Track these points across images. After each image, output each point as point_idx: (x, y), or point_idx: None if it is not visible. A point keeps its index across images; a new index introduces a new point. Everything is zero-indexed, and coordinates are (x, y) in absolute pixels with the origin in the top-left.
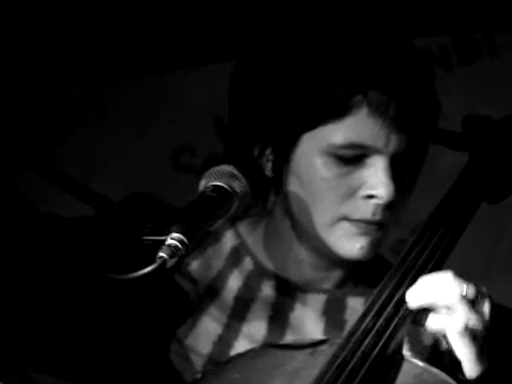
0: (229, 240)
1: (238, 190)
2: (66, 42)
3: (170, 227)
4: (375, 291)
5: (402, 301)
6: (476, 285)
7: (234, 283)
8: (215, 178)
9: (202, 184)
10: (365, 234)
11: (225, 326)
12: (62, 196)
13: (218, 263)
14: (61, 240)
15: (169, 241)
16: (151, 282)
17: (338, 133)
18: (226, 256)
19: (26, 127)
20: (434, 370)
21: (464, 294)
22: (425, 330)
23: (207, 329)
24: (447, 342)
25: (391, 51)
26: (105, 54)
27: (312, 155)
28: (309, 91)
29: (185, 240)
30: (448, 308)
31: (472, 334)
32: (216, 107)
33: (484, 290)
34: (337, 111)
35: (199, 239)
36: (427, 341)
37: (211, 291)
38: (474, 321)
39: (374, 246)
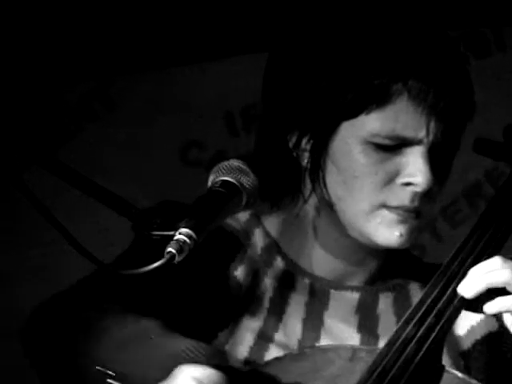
0: (259, 239)
1: (247, 185)
2: (73, 37)
3: (179, 222)
4: (419, 299)
5: (444, 311)
6: None
7: (268, 285)
8: (224, 173)
9: (211, 179)
10: (403, 221)
11: (260, 329)
12: (70, 191)
13: (254, 264)
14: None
15: (177, 236)
16: (200, 285)
17: (378, 121)
18: (259, 257)
19: (35, 123)
20: (474, 382)
21: None
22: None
23: (244, 333)
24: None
25: (429, 40)
26: (113, 48)
27: (351, 143)
28: (349, 80)
29: (193, 235)
30: (505, 286)
31: None
32: (225, 102)
33: None
34: (377, 100)
35: (208, 235)
36: (464, 347)
37: (250, 294)
38: None
39: (413, 234)
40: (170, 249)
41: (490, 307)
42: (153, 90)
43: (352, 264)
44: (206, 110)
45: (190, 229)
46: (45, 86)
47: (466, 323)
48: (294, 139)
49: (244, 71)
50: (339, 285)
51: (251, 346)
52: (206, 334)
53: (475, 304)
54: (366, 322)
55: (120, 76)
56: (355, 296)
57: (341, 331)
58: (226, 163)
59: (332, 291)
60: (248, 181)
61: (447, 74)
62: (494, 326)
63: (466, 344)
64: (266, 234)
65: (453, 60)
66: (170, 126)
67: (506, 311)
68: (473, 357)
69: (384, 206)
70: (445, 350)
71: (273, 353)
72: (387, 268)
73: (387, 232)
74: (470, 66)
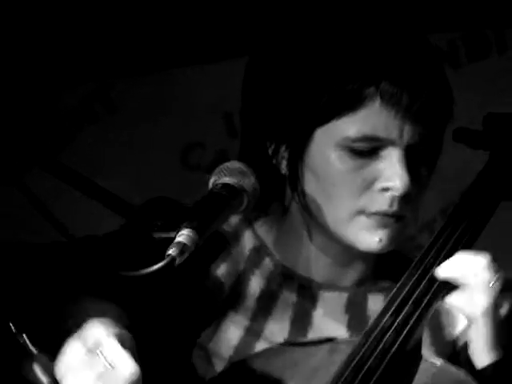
0: (248, 241)
1: (247, 188)
2: (74, 39)
3: (180, 224)
4: (394, 289)
5: (421, 299)
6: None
7: (255, 285)
8: (224, 176)
9: (212, 181)
10: (383, 226)
11: (247, 328)
12: (71, 193)
13: (240, 265)
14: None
15: (178, 238)
16: (181, 284)
17: (351, 126)
18: (247, 257)
19: (35, 125)
20: (452, 369)
21: (491, 284)
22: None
23: (229, 332)
24: (463, 325)
25: (402, 43)
26: (113, 50)
27: (326, 149)
28: (321, 85)
29: (194, 237)
30: (472, 288)
31: (490, 318)
32: (225, 104)
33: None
34: (350, 104)
35: (209, 238)
36: (446, 338)
37: (234, 293)
38: (494, 306)
39: (393, 238)
40: (171, 251)
41: (450, 300)
42: (153, 92)
43: (340, 265)
44: (205, 111)
45: (190, 231)
46: (46, 88)
47: (453, 329)
48: (272, 148)
49: (243, 72)
50: (328, 286)
51: (236, 344)
52: (188, 332)
53: (445, 287)
54: (356, 321)
55: (120, 78)
56: (344, 296)
57: (330, 330)
58: (227, 165)
59: (321, 292)
60: (249, 183)
61: (420, 76)
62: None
63: (453, 348)
64: (256, 236)
65: (426, 62)
66: (171, 127)
67: (459, 309)
68: (457, 361)
69: (363, 212)
70: (425, 339)
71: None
72: (377, 269)
73: (367, 237)
74: (444, 67)
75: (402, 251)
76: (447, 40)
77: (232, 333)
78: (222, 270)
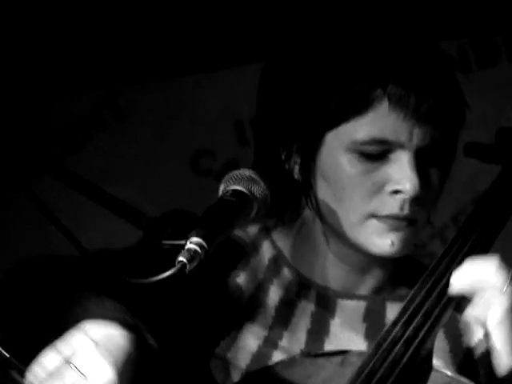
0: (266, 251)
1: (258, 194)
2: (83, 47)
3: (190, 232)
4: (406, 300)
5: (432, 311)
6: None
7: (274, 294)
8: (234, 183)
9: (222, 188)
10: (395, 229)
11: (264, 338)
12: (80, 200)
13: (259, 275)
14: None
15: (188, 245)
16: (201, 293)
17: (360, 129)
18: (266, 267)
19: (45, 132)
20: (463, 380)
21: (506, 287)
22: (463, 321)
23: (247, 342)
24: (484, 335)
25: (409, 45)
26: (122, 58)
27: (337, 153)
28: (330, 88)
29: (204, 244)
30: (489, 295)
31: (508, 325)
32: (235, 111)
33: None
34: (358, 107)
35: (220, 245)
36: (460, 348)
37: (253, 303)
38: (510, 311)
39: (406, 242)
40: (181, 258)
41: (467, 315)
42: (162, 100)
43: (358, 273)
44: (215, 119)
45: (200, 238)
46: (55, 95)
47: (472, 336)
48: (285, 152)
49: (253, 80)
50: (346, 294)
51: (254, 353)
52: (207, 341)
53: (462, 303)
54: (374, 330)
55: (130, 85)
56: (362, 304)
57: (347, 339)
58: (236, 172)
59: (339, 300)
60: (259, 190)
61: (428, 77)
62: None
63: (472, 355)
64: (274, 246)
65: (434, 64)
66: (180, 135)
67: (474, 321)
68: (475, 369)
69: (374, 215)
70: (450, 362)
71: (275, 361)
72: (395, 277)
73: (379, 241)
74: (453, 70)
75: (417, 258)
76: (457, 47)
77: (250, 342)
78: (241, 278)
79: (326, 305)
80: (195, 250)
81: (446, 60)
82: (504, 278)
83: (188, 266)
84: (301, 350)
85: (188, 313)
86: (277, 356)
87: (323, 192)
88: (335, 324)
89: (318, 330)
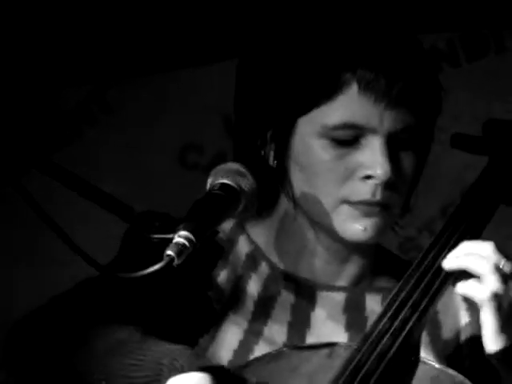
0: (243, 246)
1: (245, 188)
2: (71, 41)
3: (178, 225)
4: (392, 292)
5: (419, 303)
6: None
7: (253, 289)
8: (222, 176)
9: (209, 182)
10: (367, 215)
11: (245, 332)
12: (68, 195)
13: (237, 270)
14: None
15: (176, 239)
16: (181, 291)
17: (330, 113)
18: (243, 263)
19: (33, 127)
20: (451, 372)
21: (500, 265)
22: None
23: (228, 337)
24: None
25: (380, 30)
26: (110, 52)
27: (309, 139)
28: (300, 74)
29: (192, 238)
30: (481, 275)
31: (498, 305)
32: (223, 105)
33: None
34: (327, 91)
35: (208, 239)
36: (444, 339)
37: (233, 299)
38: (503, 291)
39: (379, 227)
40: (169, 252)
41: (460, 288)
42: (151, 93)
43: (337, 263)
44: (203, 112)
45: (189, 232)
46: (42, 89)
47: (453, 326)
48: (259, 140)
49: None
50: (325, 285)
51: (235, 349)
52: (186, 340)
53: (454, 278)
54: (355, 321)
55: (117, 79)
56: (342, 296)
57: (328, 331)
58: (224, 166)
59: (318, 292)
60: (247, 183)
61: (398, 61)
62: (478, 328)
63: (452, 346)
64: (251, 240)
65: (405, 47)
66: (168, 129)
67: (470, 296)
68: (457, 359)
69: (346, 201)
70: (431, 354)
71: (257, 355)
72: (374, 269)
73: (352, 227)
74: (427, 56)
75: (400, 253)
76: (446, 40)
77: (231, 337)
78: (221, 277)
79: (305, 297)
80: (183, 244)
81: (419, 45)
82: (499, 257)
83: (176, 260)
84: (283, 343)
85: (166, 311)
86: (259, 350)
87: (297, 178)
88: (316, 316)
89: (299, 323)
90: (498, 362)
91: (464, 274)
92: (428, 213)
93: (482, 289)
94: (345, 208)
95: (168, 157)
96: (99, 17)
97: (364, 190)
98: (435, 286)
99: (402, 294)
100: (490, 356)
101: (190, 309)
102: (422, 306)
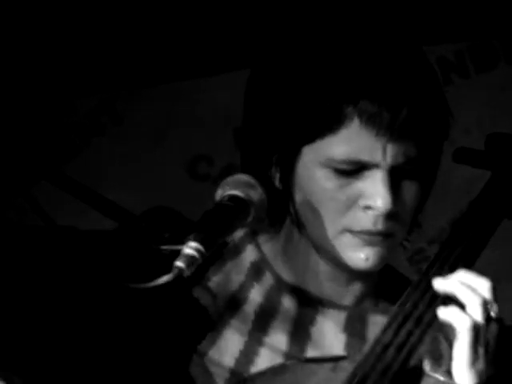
0: (249, 254)
1: (255, 199)
2: (81, 52)
3: (187, 236)
4: (396, 306)
5: (423, 316)
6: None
7: (254, 297)
8: (232, 187)
9: (219, 193)
10: (369, 244)
11: (247, 339)
12: (77, 206)
13: (238, 278)
14: (79, 251)
15: (186, 250)
16: (171, 296)
17: (334, 147)
18: (247, 270)
19: (42, 137)
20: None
21: (489, 305)
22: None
23: (229, 342)
24: (451, 340)
25: (383, 59)
26: (120, 63)
27: (312, 167)
28: (305, 103)
29: (202, 249)
30: (467, 304)
31: (476, 338)
32: (235, 116)
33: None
34: (330, 124)
35: (217, 249)
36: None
37: (232, 305)
38: (483, 326)
39: (381, 257)
40: (178, 263)
41: (442, 312)
42: (160, 104)
43: (340, 283)
44: (213, 123)
45: (198, 243)
46: (52, 100)
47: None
48: (265, 162)
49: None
50: (328, 303)
51: (237, 356)
52: (181, 345)
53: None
54: (355, 341)
55: (127, 90)
56: (343, 315)
57: (328, 347)
58: (234, 177)
59: (320, 308)
60: (256, 195)
61: (402, 91)
62: None
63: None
64: (259, 250)
65: (409, 72)
66: (178, 140)
67: (449, 322)
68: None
69: (348, 230)
70: (428, 355)
71: (258, 365)
72: (378, 289)
73: (353, 256)
74: (436, 82)
75: (410, 265)
76: (454, 51)
77: (232, 343)
78: (213, 282)
79: (307, 311)
80: (193, 255)
81: (425, 68)
82: (492, 297)
83: (186, 271)
84: (284, 353)
85: (159, 316)
86: (259, 359)
87: (300, 204)
88: (316, 331)
89: (300, 335)
90: None
91: (452, 301)
92: (438, 224)
93: (464, 317)
94: (347, 237)
95: (178, 168)
96: (109, 28)
97: (365, 220)
98: (438, 301)
99: (406, 307)
100: None
101: (182, 314)
102: (426, 320)
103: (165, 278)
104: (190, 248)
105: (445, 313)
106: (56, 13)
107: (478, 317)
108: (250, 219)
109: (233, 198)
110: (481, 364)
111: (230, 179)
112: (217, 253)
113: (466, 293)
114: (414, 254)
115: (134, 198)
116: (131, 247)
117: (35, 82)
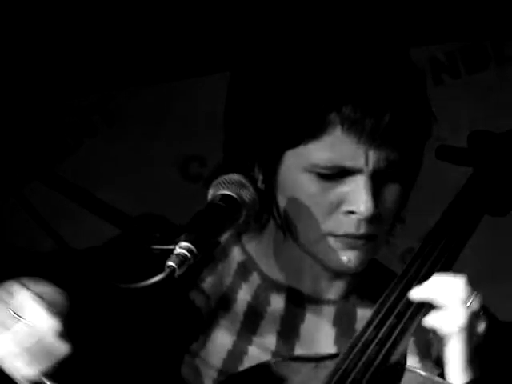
0: (236, 255)
1: (247, 199)
2: (72, 51)
3: (179, 236)
4: (378, 302)
5: (405, 312)
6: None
7: (243, 298)
8: (223, 187)
9: (211, 193)
10: (352, 247)
11: (236, 339)
12: (70, 206)
13: (227, 279)
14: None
15: (177, 250)
16: (165, 298)
17: (317, 152)
18: (234, 271)
19: (35, 138)
20: (437, 379)
21: (468, 303)
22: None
23: (219, 342)
24: (441, 344)
25: (366, 65)
26: (112, 63)
27: (295, 172)
28: (288, 108)
29: (193, 249)
30: (447, 308)
31: (466, 337)
32: None
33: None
34: (313, 129)
35: (209, 250)
36: (435, 352)
37: (223, 306)
38: (469, 326)
39: (364, 258)
40: (170, 263)
41: (427, 320)
42: (152, 105)
43: (325, 280)
44: (205, 124)
45: (190, 243)
46: (44, 100)
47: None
48: (247, 164)
49: None
50: (315, 299)
51: (224, 357)
52: (173, 345)
53: (425, 309)
54: (344, 335)
55: (119, 90)
56: (332, 309)
57: (317, 343)
58: (226, 177)
59: (307, 305)
60: (248, 195)
61: (383, 100)
62: None
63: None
64: (244, 251)
65: (392, 76)
66: (170, 140)
67: (438, 328)
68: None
69: (331, 234)
70: (414, 348)
71: (246, 364)
72: (364, 282)
73: (336, 258)
74: (422, 87)
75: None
76: (445, 52)
77: (222, 343)
78: (207, 283)
79: (295, 308)
80: (184, 255)
81: (410, 76)
82: (468, 294)
83: (177, 271)
84: (272, 353)
85: (153, 316)
86: (248, 359)
87: (283, 206)
88: (305, 328)
89: (289, 334)
90: None
91: (431, 308)
92: (430, 223)
93: (448, 321)
94: (329, 240)
95: (170, 168)
96: (102, 27)
97: (348, 224)
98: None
99: (388, 303)
100: None
101: (175, 315)
102: (407, 315)
103: (156, 278)
104: (182, 248)
105: (430, 321)
106: (50, 12)
107: (462, 317)
108: (242, 219)
109: (225, 197)
110: (475, 361)
111: (221, 179)
112: (210, 254)
113: (443, 297)
114: (405, 253)
115: (126, 198)
116: (124, 247)
117: (28, 82)
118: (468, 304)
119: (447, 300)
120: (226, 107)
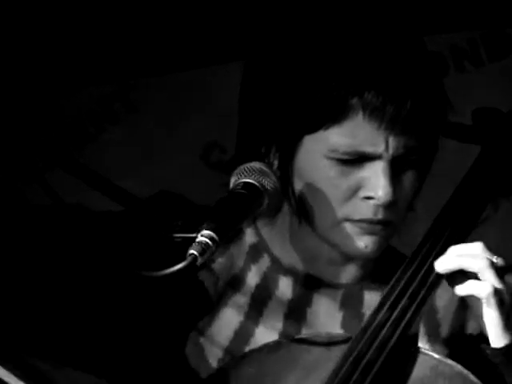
0: (249, 237)
1: (268, 187)
2: (95, 40)
3: (201, 224)
4: (390, 283)
5: (417, 293)
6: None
7: (252, 280)
8: (245, 175)
9: (232, 181)
10: (369, 233)
11: (243, 320)
12: (91, 194)
13: (239, 261)
14: (90, 232)
15: (199, 238)
16: (174, 276)
17: (338, 138)
18: (246, 253)
19: (57, 125)
20: (450, 362)
21: (494, 260)
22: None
23: (226, 322)
24: (475, 310)
25: (389, 52)
26: (134, 51)
27: (314, 156)
28: (309, 93)
29: (215, 237)
30: (477, 273)
31: (500, 299)
32: None
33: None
34: (334, 115)
35: (230, 237)
36: (444, 331)
37: (231, 287)
38: (502, 286)
39: (380, 243)
40: (192, 251)
41: (460, 289)
42: (174, 92)
43: (338, 265)
44: (227, 111)
45: (211, 231)
46: (67, 88)
47: (447, 296)
48: (264, 148)
49: None
50: (326, 283)
51: (231, 336)
52: (180, 325)
53: (451, 281)
54: (351, 318)
55: (141, 78)
56: (339, 293)
57: (324, 326)
58: (247, 165)
59: (315, 288)
60: (269, 182)
61: (404, 87)
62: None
63: (442, 314)
64: (257, 232)
65: (413, 71)
66: (192, 128)
67: (473, 295)
68: (447, 327)
69: (348, 219)
70: (422, 328)
71: (253, 345)
72: (375, 267)
73: (353, 244)
74: (439, 75)
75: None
76: (467, 39)
77: (228, 324)
78: (217, 264)
79: (303, 292)
80: (206, 243)
81: (428, 65)
82: (490, 253)
83: (199, 259)
84: (279, 334)
85: (161, 296)
86: (253, 341)
87: (300, 191)
88: (312, 312)
89: (295, 317)
90: (504, 358)
91: (458, 278)
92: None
93: (483, 285)
94: (347, 225)
95: (191, 156)
96: (123, 16)
97: (365, 209)
98: (432, 276)
99: (401, 285)
100: (496, 352)
101: (184, 294)
102: (420, 296)
103: (178, 266)
104: (204, 236)
105: (463, 288)
106: (73, 4)
107: (493, 278)
108: (263, 206)
109: (246, 185)
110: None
111: (243, 167)
112: (231, 240)
113: (471, 262)
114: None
115: (146, 185)
116: (142, 234)
117: (51, 70)
118: (494, 262)
119: (475, 263)
120: (243, 92)
